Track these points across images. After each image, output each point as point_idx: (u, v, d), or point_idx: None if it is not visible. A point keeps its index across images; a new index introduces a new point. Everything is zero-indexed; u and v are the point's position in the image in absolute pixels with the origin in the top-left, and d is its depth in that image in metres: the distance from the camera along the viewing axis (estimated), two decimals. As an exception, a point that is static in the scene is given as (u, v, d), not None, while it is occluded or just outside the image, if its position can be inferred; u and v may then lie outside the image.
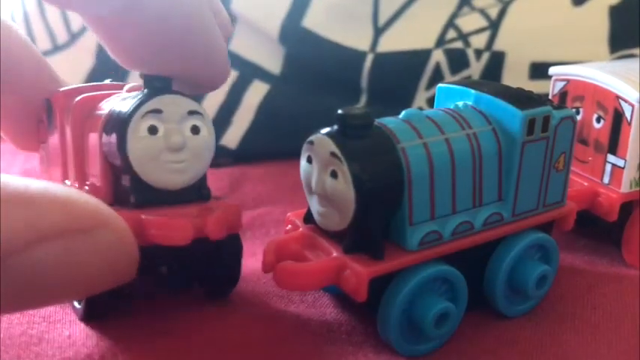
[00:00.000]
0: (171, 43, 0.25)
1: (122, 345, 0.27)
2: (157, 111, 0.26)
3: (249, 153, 0.46)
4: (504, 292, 0.29)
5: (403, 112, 0.27)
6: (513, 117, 0.27)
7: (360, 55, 0.46)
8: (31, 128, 0.32)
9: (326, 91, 0.47)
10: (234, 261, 0.29)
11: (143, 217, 0.25)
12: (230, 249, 0.28)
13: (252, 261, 0.34)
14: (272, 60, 0.48)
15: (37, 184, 0.20)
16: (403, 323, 0.26)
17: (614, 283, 0.32)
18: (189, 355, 0.26)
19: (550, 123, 0.28)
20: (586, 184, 0.34)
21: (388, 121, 0.27)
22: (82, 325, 0.28)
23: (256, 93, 0.47)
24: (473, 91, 0.29)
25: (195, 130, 0.27)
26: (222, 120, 0.46)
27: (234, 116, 0.47)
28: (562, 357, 0.27)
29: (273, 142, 0.46)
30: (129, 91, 0.28)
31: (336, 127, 0.26)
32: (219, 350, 0.27)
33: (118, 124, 0.26)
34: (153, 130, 0.26)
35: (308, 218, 0.28)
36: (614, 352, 0.27)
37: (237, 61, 0.47)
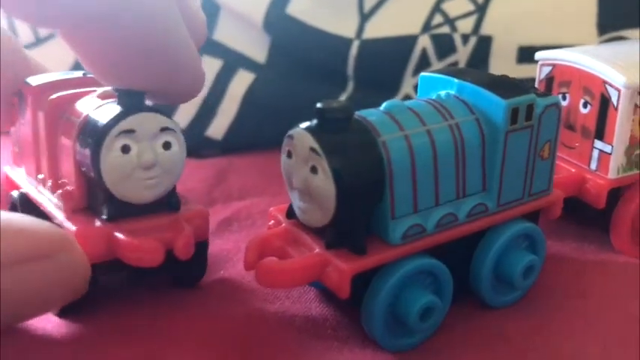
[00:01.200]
0: (147, 60, 0.25)
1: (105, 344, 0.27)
2: (130, 131, 0.26)
3: (235, 143, 0.46)
4: (490, 284, 0.29)
5: (384, 104, 0.27)
6: (496, 106, 0.27)
7: (346, 42, 0.46)
8: (3, 109, 0.32)
9: (312, 79, 0.47)
10: (200, 264, 0.30)
11: (115, 234, 0.26)
12: (196, 256, 0.28)
13: (238, 257, 0.33)
14: (257, 48, 0.47)
15: (2, 217, 0.22)
16: (388, 318, 0.26)
17: (603, 270, 0.32)
18: (169, 354, 0.26)
19: (534, 111, 0.28)
20: (573, 170, 0.34)
21: (368, 114, 0.26)
22: (54, 319, 0.28)
23: (241, 82, 0.46)
24: (455, 80, 0.28)
25: (166, 145, 0.27)
26: (207, 110, 0.46)
27: (219, 107, 0.46)
28: (550, 348, 0.27)
29: (259, 132, 0.46)
30: (101, 96, 0.28)
31: (315, 121, 0.25)
32: (202, 349, 0.27)
33: (92, 141, 0.26)
34: (125, 149, 0.26)
35: (290, 213, 0.28)
36: (603, 342, 0.27)
37: (221, 50, 0.47)
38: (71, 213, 0.28)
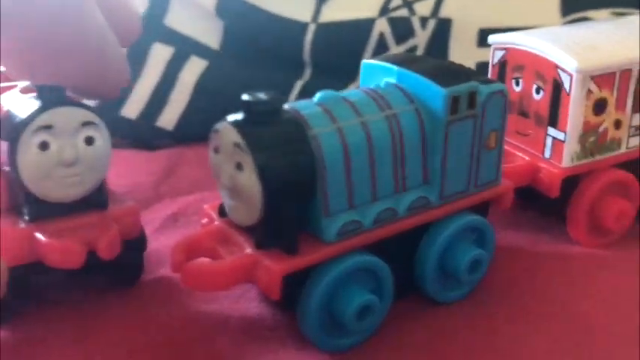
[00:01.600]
0: (56, 53, 0.24)
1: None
2: (48, 126, 0.25)
3: (187, 134, 0.44)
4: (436, 279, 0.28)
5: (318, 95, 0.26)
6: (436, 95, 0.26)
7: (302, 27, 0.44)
8: None
9: (268, 65, 0.45)
10: (134, 263, 0.29)
11: (36, 235, 0.25)
12: (127, 256, 0.28)
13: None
14: (210, 34, 0.45)
15: None
16: (324, 318, 0.25)
17: (556, 263, 0.31)
18: (101, 356, 0.25)
19: (477, 99, 0.27)
20: (527, 158, 0.33)
21: (301, 106, 0.25)
22: None
23: (193, 69, 0.45)
24: (395, 67, 0.27)
25: (89, 141, 0.26)
26: (158, 99, 0.44)
27: (170, 95, 0.44)
28: (494, 346, 0.26)
29: (212, 122, 0.44)
30: (23, 91, 0.27)
31: (241, 114, 0.24)
32: (131, 353, 0.25)
33: (9, 137, 0.25)
34: (44, 146, 0.25)
35: (223, 211, 0.26)
36: (547, 339, 0.26)
37: (172, 36, 0.45)
38: None
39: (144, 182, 0.39)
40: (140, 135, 0.44)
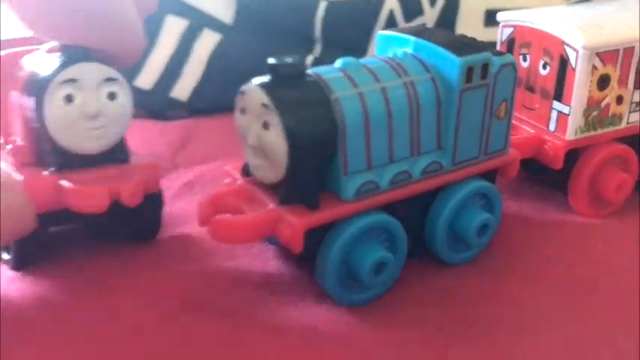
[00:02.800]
0: (81, 16, 0.25)
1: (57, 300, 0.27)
2: (73, 80, 0.26)
3: (201, 105, 0.46)
4: (446, 241, 0.29)
5: (339, 61, 0.27)
6: (451, 64, 0.27)
7: (313, 4, 0.45)
8: None
9: (280, 40, 0.46)
10: (153, 217, 0.31)
11: (61, 183, 0.27)
12: (147, 208, 0.29)
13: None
14: (224, 9, 0.46)
15: None
16: (342, 273, 0.26)
17: (559, 230, 0.33)
18: (126, 310, 0.26)
19: (489, 70, 0.28)
20: (533, 131, 0.34)
21: (323, 71, 0.26)
22: (8, 273, 0.28)
23: (207, 43, 0.46)
24: (412, 38, 0.28)
25: (111, 96, 0.27)
26: (172, 71, 0.45)
27: (184, 67, 0.46)
28: (503, 303, 0.28)
29: (225, 94, 0.45)
30: (48, 51, 0.28)
31: (267, 76, 0.25)
32: (155, 304, 0.27)
33: (35, 91, 0.26)
34: (69, 98, 0.27)
35: (246, 171, 0.28)
36: (550, 299, 0.28)
37: (186, 9, 0.46)
38: (20, 166, 0.28)
39: (160, 152, 0.40)
40: (154, 105, 0.45)
